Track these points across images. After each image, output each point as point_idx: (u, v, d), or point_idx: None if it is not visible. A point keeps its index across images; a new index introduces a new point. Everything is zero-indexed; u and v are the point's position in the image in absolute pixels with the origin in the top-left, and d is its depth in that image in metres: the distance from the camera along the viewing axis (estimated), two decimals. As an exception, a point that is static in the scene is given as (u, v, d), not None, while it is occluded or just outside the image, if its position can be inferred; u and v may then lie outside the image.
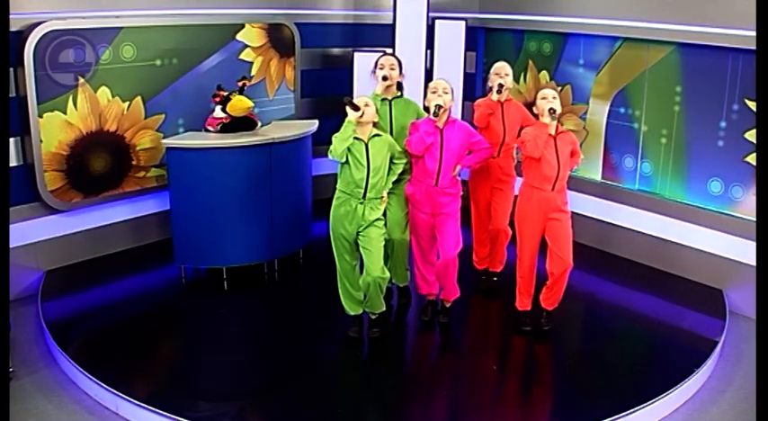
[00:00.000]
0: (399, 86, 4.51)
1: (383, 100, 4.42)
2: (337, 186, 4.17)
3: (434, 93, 4.14)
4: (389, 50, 6.21)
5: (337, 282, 4.29)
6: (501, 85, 4.59)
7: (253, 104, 5.21)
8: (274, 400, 3.75)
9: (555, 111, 4.05)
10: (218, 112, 5.14)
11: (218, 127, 5.11)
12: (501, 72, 4.66)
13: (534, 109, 4.17)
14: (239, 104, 5.12)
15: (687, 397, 3.95)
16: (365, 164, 4.03)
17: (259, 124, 5.30)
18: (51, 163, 4.97)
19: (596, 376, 4.03)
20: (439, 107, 4.07)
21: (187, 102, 5.57)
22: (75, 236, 5.27)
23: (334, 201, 4.18)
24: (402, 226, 4.43)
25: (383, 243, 4.18)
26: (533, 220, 4.21)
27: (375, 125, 4.13)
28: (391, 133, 4.38)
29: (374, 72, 4.46)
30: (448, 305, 4.53)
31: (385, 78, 4.37)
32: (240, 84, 5.24)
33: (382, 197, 4.15)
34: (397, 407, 3.75)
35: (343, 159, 4.05)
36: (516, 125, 4.69)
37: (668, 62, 5.24)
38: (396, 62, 4.43)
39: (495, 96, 4.60)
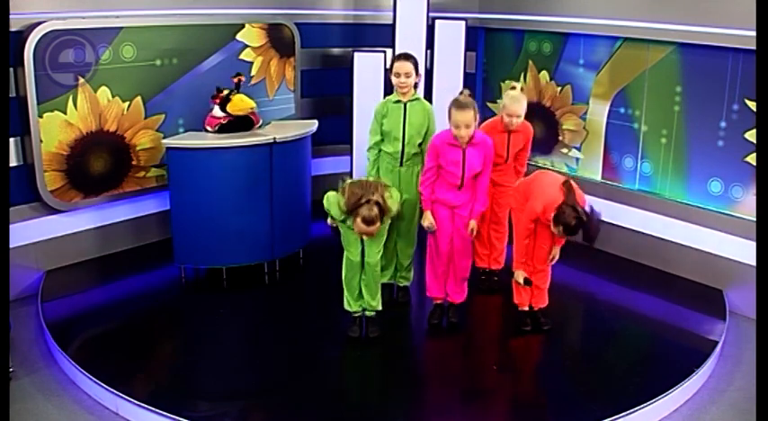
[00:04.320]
0: (415, 86, 4.50)
1: (398, 102, 4.43)
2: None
3: (458, 128, 4.06)
4: (389, 50, 6.21)
5: (342, 277, 4.28)
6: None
7: (254, 104, 5.21)
8: (274, 400, 3.76)
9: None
10: (216, 112, 5.14)
11: (216, 127, 5.11)
12: (513, 113, 4.49)
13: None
14: (241, 104, 5.12)
15: (687, 397, 3.95)
16: (359, 244, 4.15)
17: (260, 122, 5.30)
18: (51, 163, 4.97)
19: (596, 376, 4.03)
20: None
21: (187, 102, 5.57)
22: (74, 236, 5.27)
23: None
24: (412, 209, 4.51)
25: (385, 237, 4.22)
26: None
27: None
28: (404, 135, 4.42)
29: (390, 72, 4.47)
30: (456, 304, 4.54)
31: (400, 86, 4.40)
32: (236, 80, 5.22)
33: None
34: (396, 407, 3.75)
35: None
36: (519, 148, 4.72)
37: (668, 62, 5.24)
38: (411, 69, 4.38)
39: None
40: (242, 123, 5.17)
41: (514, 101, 4.49)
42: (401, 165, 4.48)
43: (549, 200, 4.03)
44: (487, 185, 4.35)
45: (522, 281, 4.30)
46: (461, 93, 4.18)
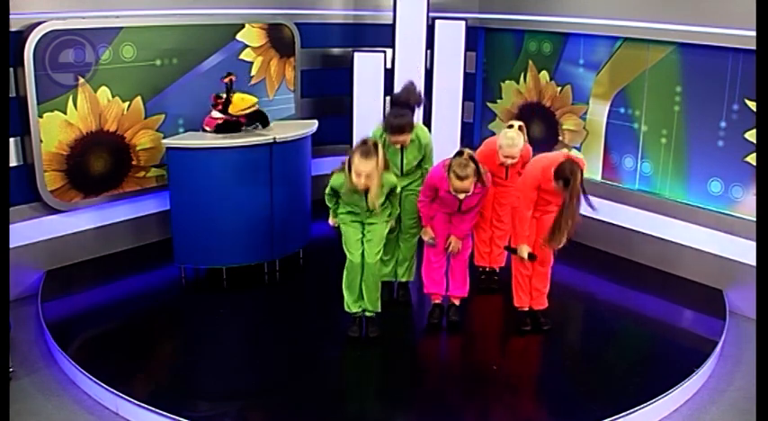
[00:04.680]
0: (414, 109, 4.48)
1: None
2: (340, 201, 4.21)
3: (456, 192, 4.03)
4: (389, 50, 6.21)
5: (343, 277, 4.27)
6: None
7: (256, 100, 5.21)
8: (274, 400, 3.76)
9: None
10: (215, 113, 5.14)
11: (214, 128, 5.11)
12: (510, 155, 4.44)
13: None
14: (242, 104, 5.12)
15: (687, 397, 3.95)
16: (365, 207, 4.09)
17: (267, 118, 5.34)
18: (51, 163, 4.97)
19: (596, 376, 4.03)
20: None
21: (187, 102, 5.57)
22: (75, 236, 5.27)
23: (340, 209, 4.22)
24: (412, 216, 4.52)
25: (384, 238, 4.24)
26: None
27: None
28: (402, 166, 4.48)
29: (386, 130, 4.39)
30: (457, 303, 4.54)
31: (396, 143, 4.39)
32: (226, 80, 5.20)
33: (388, 221, 4.24)
34: (396, 407, 3.75)
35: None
36: (518, 169, 4.71)
37: (668, 62, 5.24)
38: (407, 137, 4.34)
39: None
40: (239, 123, 5.16)
41: (511, 144, 4.41)
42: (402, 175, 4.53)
43: (548, 163, 4.07)
44: (478, 211, 4.39)
45: (525, 255, 4.24)
46: (461, 152, 4.03)
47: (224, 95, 5.12)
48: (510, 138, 4.42)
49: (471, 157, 4.00)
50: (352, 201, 4.11)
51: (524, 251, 4.24)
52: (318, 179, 5.88)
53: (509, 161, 4.49)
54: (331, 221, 4.30)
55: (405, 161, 4.49)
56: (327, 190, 4.18)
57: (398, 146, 4.42)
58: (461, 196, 4.07)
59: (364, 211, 4.15)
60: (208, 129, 5.14)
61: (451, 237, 4.34)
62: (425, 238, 4.40)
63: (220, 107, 5.10)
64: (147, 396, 3.67)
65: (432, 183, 4.21)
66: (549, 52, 6.07)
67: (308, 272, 5.44)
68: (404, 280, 4.83)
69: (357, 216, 4.18)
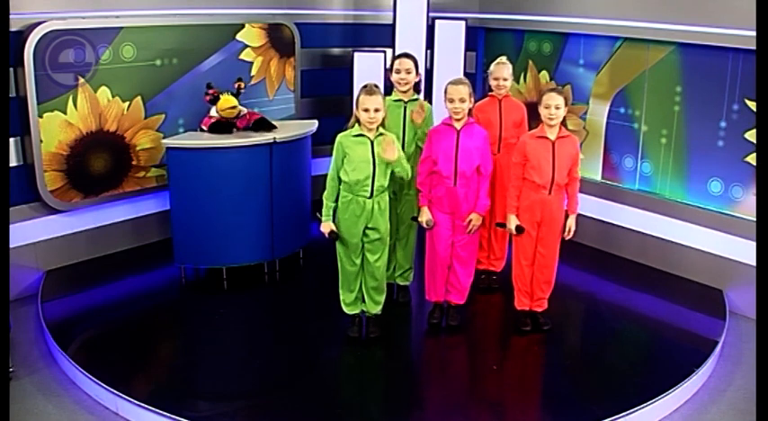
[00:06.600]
0: (417, 87, 4.53)
1: (398, 101, 4.44)
2: (340, 187, 4.11)
3: (452, 102, 4.11)
4: (389, 50, 6.21)
5: (339, 280, 4.27)
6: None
7: (236, 103, 5.14)
8: (274, 400, 3.75)
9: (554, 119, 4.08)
10: (213, 112, 5.14)
11: (209, 126, 5.11)
12: (500, 76, 4.65)
13: (539, 109, 4.17)
14: (224, 103, 5.11)
15: (687, 397, 3.95)
16: (370, 161, 4.00)
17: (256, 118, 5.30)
18: (51, 163, 4.97)
19: (596, 376, 4.03)
20: None
21: (187, 102, 5.57)
22: (75, 236, 5.27)
23: (338, 204, 4.12)
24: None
25: (388, 244, 4.21)
26: (530, 221, 4.21)
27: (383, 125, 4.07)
28: (404, 135, 4.42)
29: (390, 72, 4.49)
30: (453, 305, 4.53)
31: (400, 82, 4.43)
32: (236, 85, 5.22)
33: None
34: (396, 407, 3.75)
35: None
36: (513, 121, 4.72)
37: (668, 62, 5.25)
38: (412, 65, 4.42)
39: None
40: (232, 124, 5.15)
41: (499, 65, 4.68)
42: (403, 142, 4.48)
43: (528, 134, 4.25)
44: (488, 184, 4.30)
45: (513, 227, 4.20)
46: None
47: (217, 91, 5.11)
48: (497, 62, 4.73)
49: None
50: (358, 156, 3.97)
51: (512, 222, 4.22)
52: (318, 179, 5.87)
53: (501, 83, 4.68)
54: (324, 227, 4.08)
55: (407, 127, 4.43)
56: (331, 171, 4.07)
57: (403, 89, 4.41)
58: (458, 105, 4.07)
59: (368, 194, 4.01)
60: (204, 128, 5.14)
61: (473, 214, 4.21)
62: (423, 220, 4.25)
63: (209, 97, 5.10)
64: (147, 396, 3.67)
65: (428, 138, 4.21)
66: (549, 52, 6.07)
67: (307, 272, 5.44)
68: (402, 284, 4.82)
69: (360, 211, 4.06)
